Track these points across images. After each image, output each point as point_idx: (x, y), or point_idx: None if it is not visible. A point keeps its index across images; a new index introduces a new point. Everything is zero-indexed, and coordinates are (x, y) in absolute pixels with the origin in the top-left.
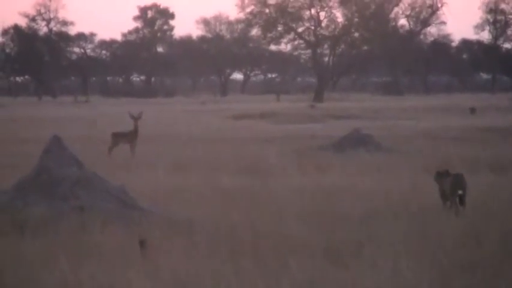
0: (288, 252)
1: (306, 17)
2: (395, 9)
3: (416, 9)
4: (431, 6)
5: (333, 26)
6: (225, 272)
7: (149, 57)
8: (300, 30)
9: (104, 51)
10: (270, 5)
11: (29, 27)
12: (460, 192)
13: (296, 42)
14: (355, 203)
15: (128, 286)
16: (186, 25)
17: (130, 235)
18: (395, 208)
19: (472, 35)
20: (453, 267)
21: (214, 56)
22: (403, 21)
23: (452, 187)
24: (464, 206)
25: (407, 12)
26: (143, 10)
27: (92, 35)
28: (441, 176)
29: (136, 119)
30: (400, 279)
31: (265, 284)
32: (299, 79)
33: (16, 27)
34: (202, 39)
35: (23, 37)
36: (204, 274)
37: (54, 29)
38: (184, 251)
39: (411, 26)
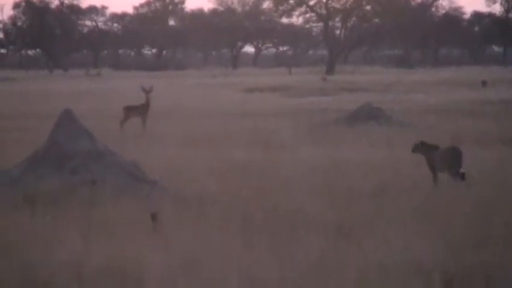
0: (300, 227)
1: None
2: None
3: None
4: None
5: None
6: (235, 247)
7: (161, 31)
8: (311, 3)
9: (115, 25)
10: None
11: (40, 1)
12: (462, 170)
13: (308, 15)
14: (367, 178)
15: (139, 260)
16: None
17: (141, 209)
18: (406, 183)
19: (483, 8)
20: (464, 243)
21: (225, 29)
22: None
23: (450, 161)
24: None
25: None
26: None
27: (104, 8)
28: (428, 148)
29: (147, 92)
30: (412, 256)
31: (277, 258)
32: (311, 52)
33: (27, 1)
34: (213, 12)
35: (34, 10)
36: (215, 248)
37: (66, 2)
38: (195, 225)
39: None
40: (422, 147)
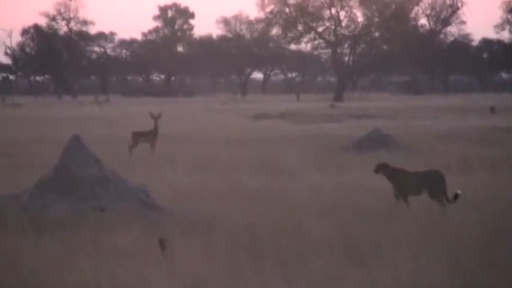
0: (308, 252)
1: (326, 17)
2: (416, 8)
3: (437, 9)
4: (451, 5)
5: (353, 26)
6: (244, 272)
7: (169, 57)
8: (320, 29)
9: (124, 51)
10: (290, 4)
11: (49, 27)
12: (458, 192)
13: (316, 42)
14: (375, 203)
15: (147, 286)
16: (206, 25)
17: (149, 235)
18: (414, 207)
19: (492, 35)
20: (473, 267)
21: (234, 56)
22: (423, 21)
23: (430, 185)
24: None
25: (428, 12)
26: (163, 9)
27: (112, 34)
28: (394, 171)
29: (156, 118)
30: (420, 279)
31: (285, 283)
32: (319, 78)
33: (36, 27)
34: (222, 38)
35: (43, 36)
36: (223, 274)
37: (74, 28)
38: (204, 250)
39: (431, 26)
40: (385, 170)
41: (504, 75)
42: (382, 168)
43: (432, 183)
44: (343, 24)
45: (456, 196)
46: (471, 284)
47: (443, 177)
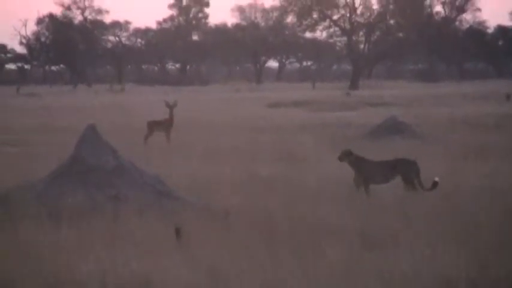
0: (324, 238)
1: (341, 4)
2: None
3: None
4: None
5: (368, 13)
6: (261, 260)
7: (184, 46)
8: (335, 17)
9: (139, 40)
10: None
11: (64, 16)
12: (436, 179)
13: (331, 30)
14: (390, 190)
15: (164, 274)
16: (221, 13)
17: (165, 223)
18: (432, 193)
19: (507, 22)
20: (490, 254)
21: (249, 44)
22: (438, 8)
23: (403, 173)
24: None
25: None
26: None
27: (127, 23)
28: (358, 159)
29: (171, 107)
30: (437, 266)
31: (302, 270)
32: (334, 67)
33: (51, 16)
34: (237, 27)
35: (58, 26)
36: (239, 261)
37: (89, 17)
38: (221, 239)
39: (446, 13)
40: (350, 157)
41: None
42: (347, 156)
43: (404, 171)
44: (358, 11)
45: (435, 184)
46: (487, 270)
47: (416, 165)
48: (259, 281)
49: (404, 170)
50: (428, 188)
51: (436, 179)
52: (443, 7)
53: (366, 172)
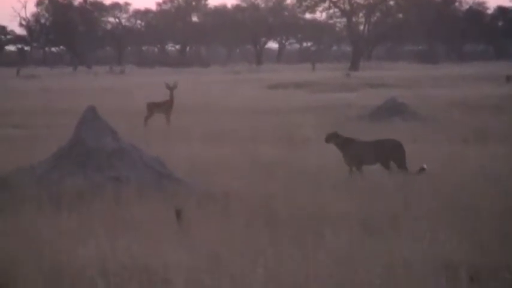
0: (325, 223)
1: None
2: None
3: None
4: None
5: None
6: (261, 243)
7: (184, 27)
8: None
9: (138, 21)
10: None
11: None
12: (424, 166)
13: (331, 11)
14: (391, 174)
15: (164, 257)
16: None
17: (166, 206)
18: (432, 178)
19: (507, 2)
20: (491, 238)
21: (249, 25)
22: None
23: (389, 154)
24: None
25: None
26: None
27: (127, 4)
28: (345, 140)
29: (171, 89)
30: (438, 251)
31: (302, 254)
32: (334, 48)
33: None
34: (237, 8)
35: (57, 7)
36: (240, 245)
37: None
38: (221, 222)
39: None
40: (336, 139)
41: None
42: (333, 138)
43: (388, 152)
44: None
45: (422, 169)
46: (489, 255)
47: (401, 146)
48: (260, 267)
49: (390, 151)
50: (415, 172)
51: (424, 165)
52: None
53: (354, 152)
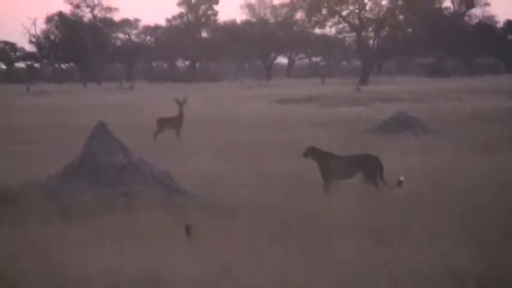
0: (333, 234)
1: (350, 0)
2: None
3: None
4: None
5: (377, 9)
6: (270, 255)
7: (193, 43)
8: (344, 13)
9: (148, 37)
10: None
11: (74, 14)
12: (401, 178)
13: (341, 26)
14: (402, 185)
15: (173, 271)
16: (230, 10)
17: (175, 220)
18: (441, 190)
19: None
20: (502, 249)
21: (258, 41)
22: (447, 3)
23: (366, 168)
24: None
25: None
26: None
27: (137, 20)
28: (322, 154)
29: (181, 104)
30: (446, 260)
31: (311, 265)
32: (344, 62)
33: (61, 14)
34: (246, 23)
35: (67, 24)
36: (248, 258)
37: (99, 15)
38: (230, 234)
39: (455, 8)
40: (314, 153)
41: None
42: (310, 152)
43: (365, 167)
44: (367, 7)
45: (399, 183)
46: (497, 264)
47: (379, 161)
48: (269, 279)
49: (367, 165)
50: (392, 185)
51: (401, 177)
52: (452, 2)
53: (329, 167)
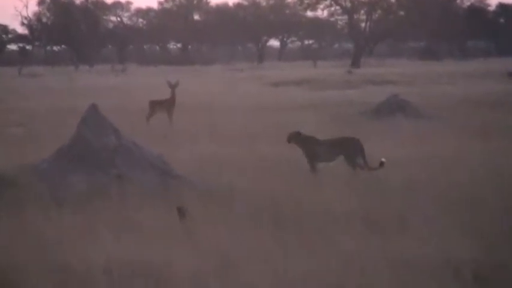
0: (330, 221)
1: None
2: None
3: None
4: None
5: None
6: (267, 243)
7: (185, 25)
8: None
9: (140, 20)
10: None
11: None
12: (383, 160)
13: (332, 8)
14: (396, 172)
15: (169, 257)
16: None
17: (170, 205)
18: (437, 177)
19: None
20: (496, 235)
21: (250, 23)
22: None
23: (348, 151)
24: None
25: None
26: None
27: (128, 3)
28: (306, 139)
29: (173, 87)
30: (445, 252)
31: (308, 254)
32: (336, 45)
33: None
34: (238, 6)
35: (59, 6)
36: (245, 245)
37: None
38: (224, 220)
39: None
40: (298, 138)
41: None
42: (294, 137)
43: (346, 150)
44: None
45: (381, 164)
46: (493, 253)
47: (360, 143)
48: (266, 267)
49: (347, 148)
50: (375, 167)
51: (383, 159)
52: None
53: (311, 150)
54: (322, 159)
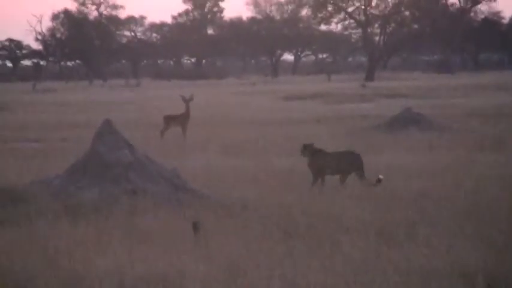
0: (341, 233)
1: None
2: None
3: None
4: None
5: (383, 5)
6: (278, 254)
7: (199, 40)
8: (350, 9)
9: (154, 34)
10: None
11: (79, 12)
12: (380, 177)
13: (346, 22)
14: (408, 183)
15: (181, 269)
16: (236, 7)
17: (183, 218)
18: (448, 187)
19: None
20: (508, 245)
21: (264, 37)
22: None
23: (348, 165)
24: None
25: None
26: None
27: (142, 18)
28: (313, 152)
29: (187, 101)
30: (455, 259)
31: (319, 264)
32: (350, 59)
33: (66, 12)
34: (252, 20)
35: (73, 21)
36: (257, 256)
37: (104, 12)
38: (238, 233)
39: (461, 4)
40: (308, 151)
41: None
42: (307, 149)
43: (348, 163)
44: (373, 3)
45: (378, 180)
46: (506, 262)
47: (359, 158)
48: (277, 277)
49: (347, 162)
50: (372, 184)
51: (380, 176)
52: None
53: (321, 163)
54: (328, 171)
